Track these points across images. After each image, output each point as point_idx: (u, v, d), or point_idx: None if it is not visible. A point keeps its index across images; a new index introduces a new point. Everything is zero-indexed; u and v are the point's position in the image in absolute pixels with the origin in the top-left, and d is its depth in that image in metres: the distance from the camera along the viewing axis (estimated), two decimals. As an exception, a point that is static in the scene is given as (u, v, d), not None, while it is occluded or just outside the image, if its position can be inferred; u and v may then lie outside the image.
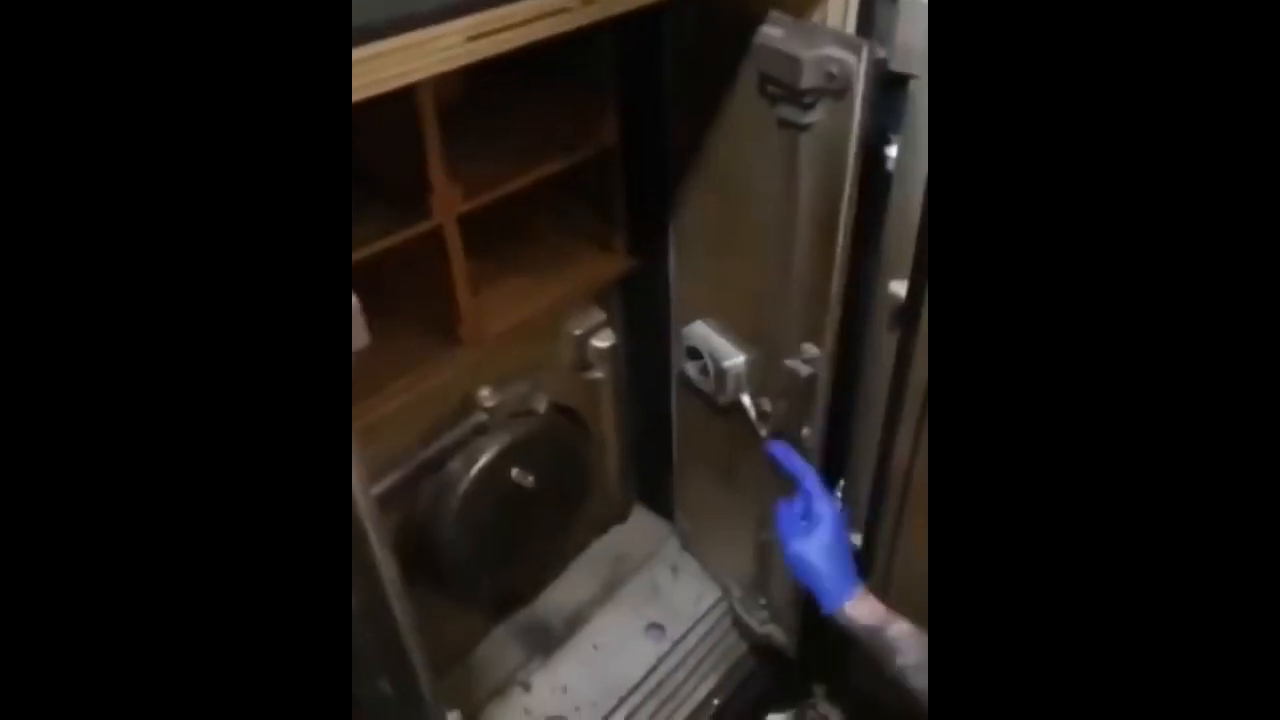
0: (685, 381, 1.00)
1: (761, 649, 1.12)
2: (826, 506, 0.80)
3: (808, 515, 0.82)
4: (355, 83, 0.51)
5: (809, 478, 0.83)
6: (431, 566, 0.93)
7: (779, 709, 1.17)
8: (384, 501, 0.86)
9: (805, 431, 0.84)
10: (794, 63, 0.65)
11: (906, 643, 0.74)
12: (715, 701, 1.06)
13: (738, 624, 1.14)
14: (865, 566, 0.96)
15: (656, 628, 1.14)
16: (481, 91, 0.92)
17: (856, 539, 0.94)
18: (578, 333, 1.00)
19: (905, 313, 0.76)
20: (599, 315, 1.01)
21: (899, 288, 0.75)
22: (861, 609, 0.78)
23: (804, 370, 0.81)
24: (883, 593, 0.95)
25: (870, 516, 0.91)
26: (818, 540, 0.79)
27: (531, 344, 0.94)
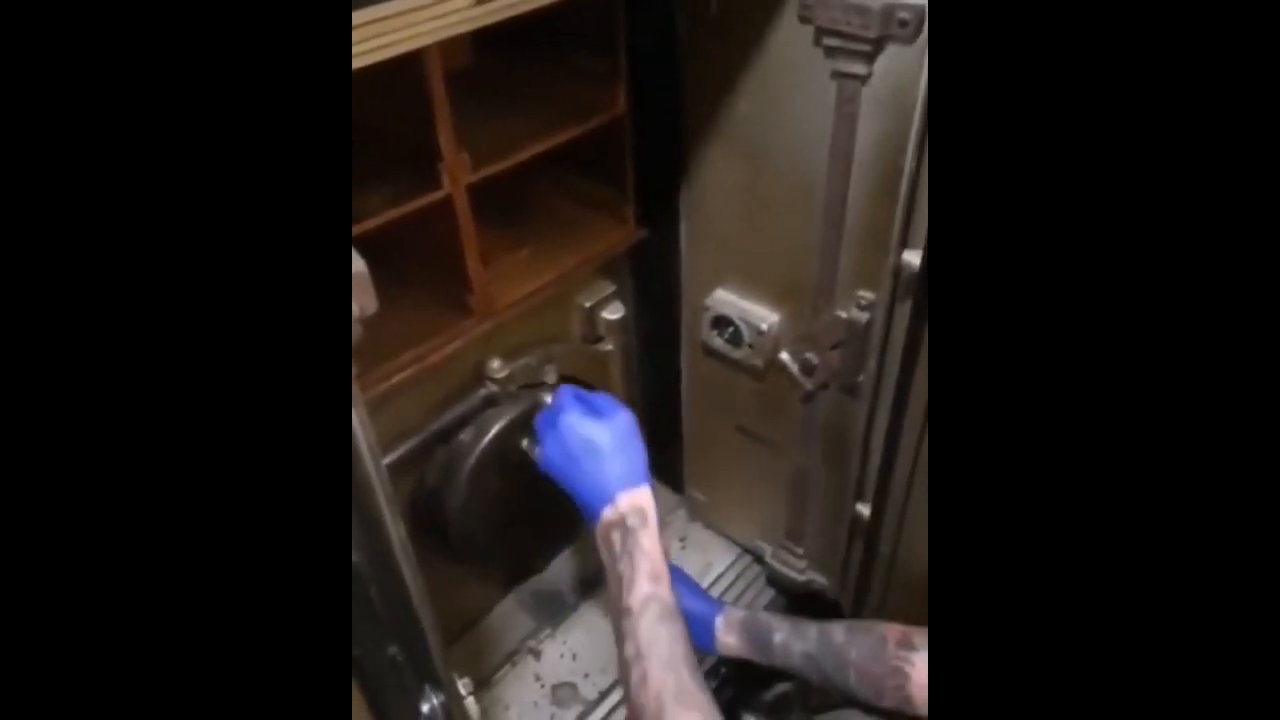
0: (707, 351, 1.01)
1: (802, 598, 1.14)
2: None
3: None
4: (360, 48, 0.51)
5: None
6: (443, 537, 0.94)
7: (786, 678, 1.18)
8: (396, 470, 0.86)
9: (861, 378, 0.86)
10: (864, 12, 0.66)
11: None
12: (722, 670, 1.07)
13: (774, 581, 1.16)
14: (874, 537, 0.97)
15: (672, 590, 1.15)
16: (490, 61, 0.91)
17: (865, 510, 0.94)
18: (587, 304, 1.00)
19: (919, 285, 0.76)
20: (609, 287, 1.00)
21: (913, 257, 0.74)
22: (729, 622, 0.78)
23: (861, 317, 0.83)
24: (891, 564, 0.97)
25: (879, 487, 0.91)
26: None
27: (541, 316, 0.94)
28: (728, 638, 0.87)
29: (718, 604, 0.91)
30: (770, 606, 1.18)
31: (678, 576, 0.95)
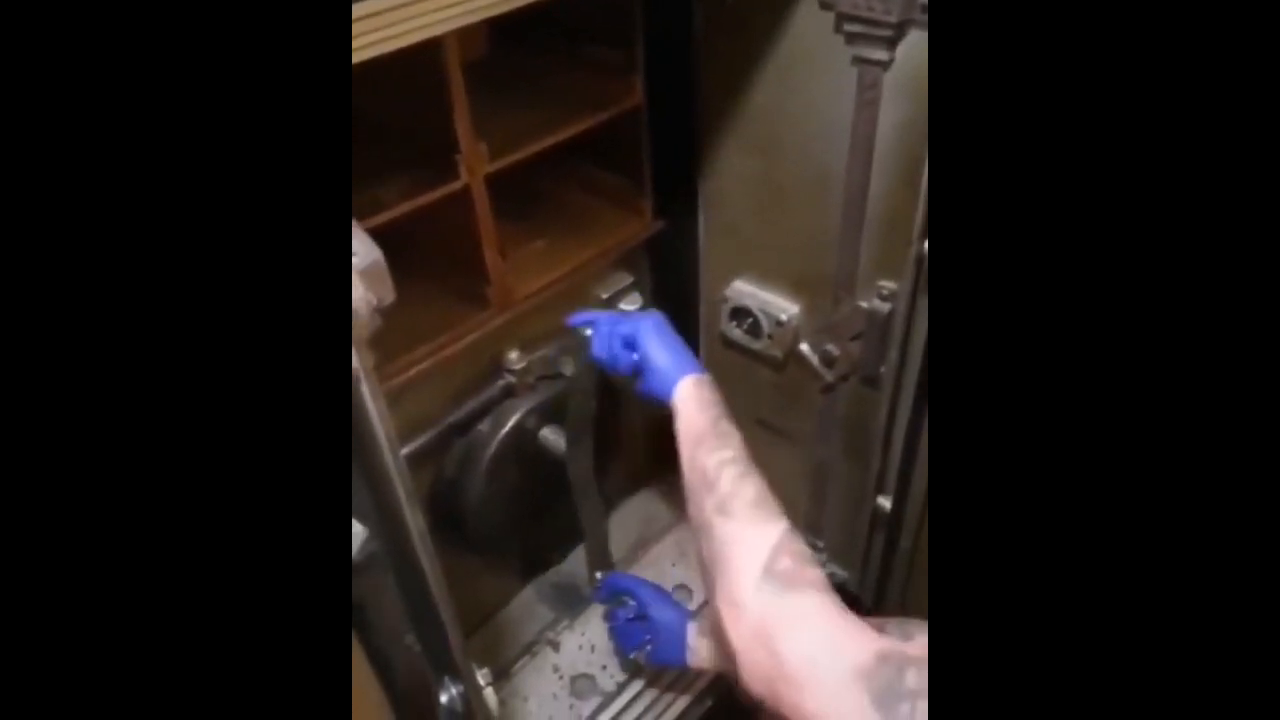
0: (726, 342, 1.00)
1: None
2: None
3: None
4: (376, 35, 0.51)
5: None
6: (460, 529, 0.94)
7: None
8: (414, 462, 0.87)
9: (883, 369, 0.85)
10: None
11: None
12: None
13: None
14: (895, 531, 0.96)
15: (683, 589, 1.15)
16: (505, 52, 0.91)
17: (886, 503, 0.93)
18: (605, 296, 0.99)
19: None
20: (626, 278, 1.00)
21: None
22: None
23: (883, 307, 0.82)
24: (912, 557, 0.96)
25: (900, 480, 0.91)
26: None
27: (558, 308, 0.94)
28: (701, 644, 0.85)
29: (689, 611, 0.89)
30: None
31: (642, 583, 0.94)
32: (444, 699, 0.57)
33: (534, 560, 1.16)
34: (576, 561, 1.19)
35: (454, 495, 0.92)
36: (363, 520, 0.45)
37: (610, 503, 1.24)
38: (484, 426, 0.90)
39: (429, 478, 0.92)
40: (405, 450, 0.81)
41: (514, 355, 0.89)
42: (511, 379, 0.90)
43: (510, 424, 0.90)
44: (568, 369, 0.95)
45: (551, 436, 0.95)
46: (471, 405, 0.89)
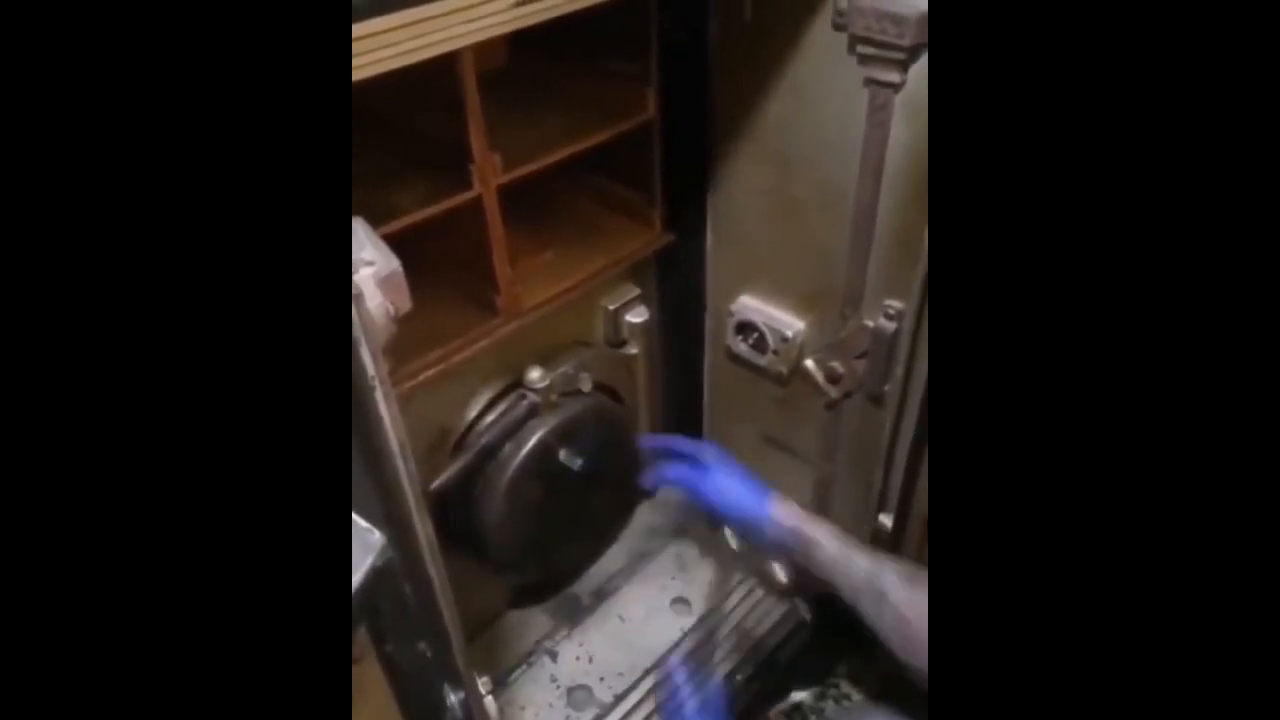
0: (731, 357, 1.00)
1: (822, 600, 1.11)
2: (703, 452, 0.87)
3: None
4: (401, 48, 0.51)
5: (677, 442, 0.90)
6: (476, 545, 0.94)
7: (802, 687, 1.17)
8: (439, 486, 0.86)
9: (887, 388, 0.86)
10: (899, 21, 0.66)
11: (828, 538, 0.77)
12: (738, 677, 1.07)
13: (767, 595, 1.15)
14: (896, 548, 0.96)
15: (682, 602, 1.15)
16: (523, 62, 0.92)
17: (888, 521, 0.93)
18: (612, 308, 1.00)
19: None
20: (634, 290, 1.01)
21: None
22: (783, 511, 0.80)
23: (889, 326, 0.82)
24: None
25: (902, 498, 0.91)
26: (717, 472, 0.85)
27: (566, 318, 0.94)
28: (780, 514, 0.82)
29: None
30: (790, 613, 1.17)
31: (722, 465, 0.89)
32: (445, 704, 0.57)
33: (549, 583, 1.15)
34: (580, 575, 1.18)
35: (473, 514, 0.92)
36: (376, 527, 0.45)
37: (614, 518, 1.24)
38: (507, 446, 0.90)
39: (441, 491, 0.91)
40: (435, 483, 0.81)
41: (535, 374, 0.89)
42: (535, 398, 0.89)
43: (531, 444, 0.90)
44: (586, 386, 0.94)
45: (570, 456, 0.94)
46: (501, 426, 0.89)
